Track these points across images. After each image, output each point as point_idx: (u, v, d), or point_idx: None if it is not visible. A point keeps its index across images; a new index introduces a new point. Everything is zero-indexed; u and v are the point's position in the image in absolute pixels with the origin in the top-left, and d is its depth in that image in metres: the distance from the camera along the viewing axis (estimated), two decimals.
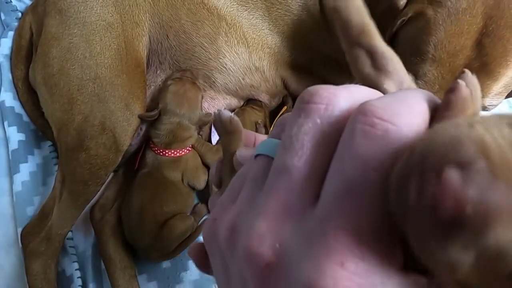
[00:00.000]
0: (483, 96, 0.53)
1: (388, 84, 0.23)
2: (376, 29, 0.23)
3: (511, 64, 0.50)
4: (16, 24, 0.86)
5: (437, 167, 0.14)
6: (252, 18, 0.82)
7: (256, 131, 0.81)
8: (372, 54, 0.23)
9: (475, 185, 0.13)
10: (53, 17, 0.76)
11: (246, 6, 0.82)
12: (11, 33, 0.85)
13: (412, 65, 0.53)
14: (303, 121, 0.20)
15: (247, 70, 0.83)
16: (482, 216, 0.13)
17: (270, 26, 0.82)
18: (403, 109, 0.18)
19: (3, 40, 0.85)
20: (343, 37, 0.24)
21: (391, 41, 0.57)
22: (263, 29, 0.82)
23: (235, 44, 0.81)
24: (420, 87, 0.49)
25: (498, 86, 0.53)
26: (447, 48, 0.51)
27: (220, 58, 0.81)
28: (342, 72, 0.82)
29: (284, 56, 0.84)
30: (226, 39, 0.81)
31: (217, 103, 0.86)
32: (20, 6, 0.89)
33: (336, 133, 0.19)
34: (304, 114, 0.20)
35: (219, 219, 0.22)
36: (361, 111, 0.18)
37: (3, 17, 0.88)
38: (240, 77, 0.83)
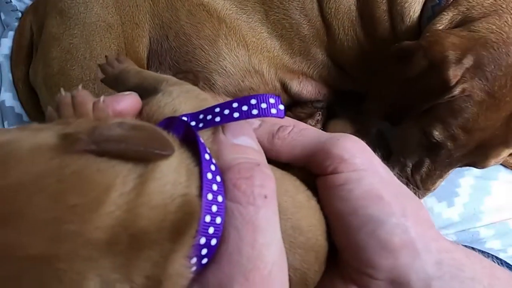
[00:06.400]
0: (492, 158, 0.65)
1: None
2: None
3: None
4: (16, 24, 0.86)
5: None
6: (251, 21, 0.82)
7: None
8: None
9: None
10: (54, 18, 0.77)
11: (244, 9, 0.82)
12: (11, 33, 0.85)
13: (449, 126, 0.62)
14: None
15: (246, 73, 0.83)
16: None
17: (269, 29, 0.83)
18: None
19: (3, 40, 0.85)
20: None
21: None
22: (262, 33, 0.83)
23: (235, 47, 0.81)
24: (450, 146, 0.63)
25: (508, 152, 0.64)
26: (480, 125, 0.60)
27: (220, 61, 0.81)
28: (341, 74, 0.83)
29: (283, 59, 0.84)
30: (226, 41, 0.81)
31: None
32: (20, 6, 0.89)
33: None
34: None
35: None
36: None
37: (3, 17, 0.88)
38: (239, 80, 0.83)
